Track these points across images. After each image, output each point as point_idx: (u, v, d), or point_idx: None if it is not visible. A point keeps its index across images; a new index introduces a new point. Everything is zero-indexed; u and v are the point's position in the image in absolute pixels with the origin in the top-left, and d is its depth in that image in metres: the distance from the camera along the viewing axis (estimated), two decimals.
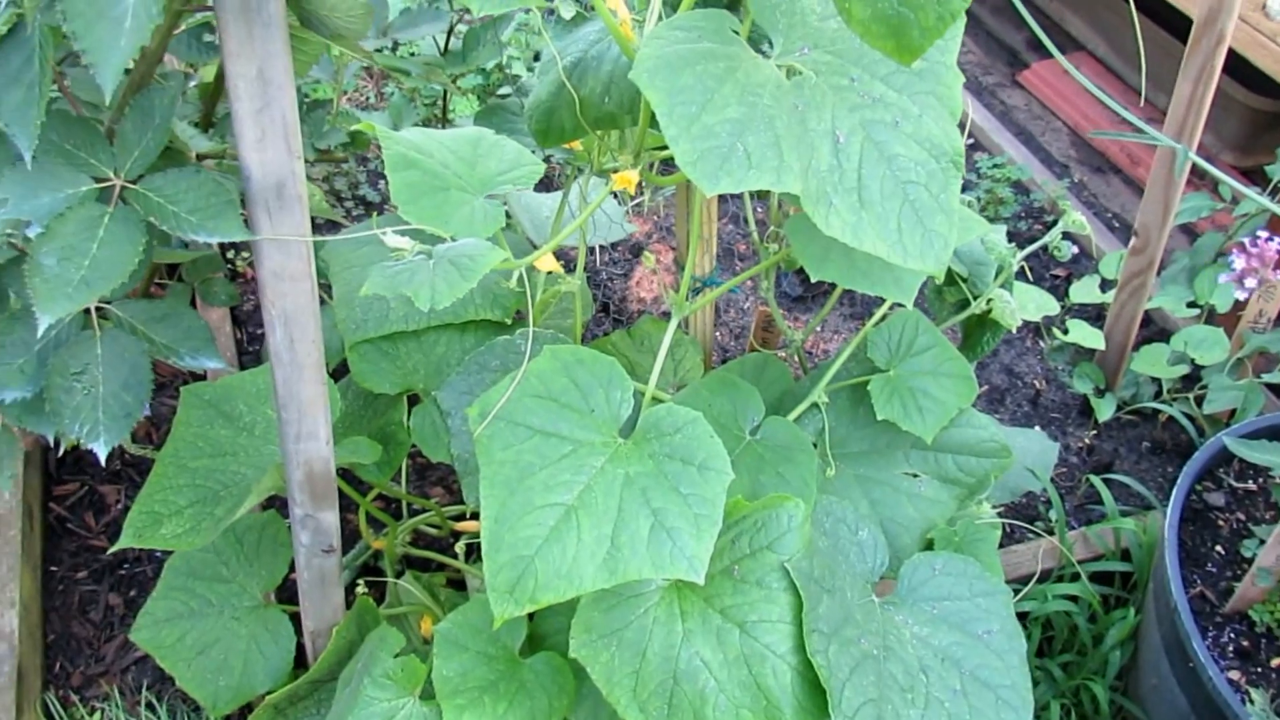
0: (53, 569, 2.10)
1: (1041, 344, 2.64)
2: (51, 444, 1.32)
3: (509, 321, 1.81)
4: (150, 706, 1.89)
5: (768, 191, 2.07)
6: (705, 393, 1.66)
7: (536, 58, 3.13)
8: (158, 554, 2.15)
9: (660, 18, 1.37)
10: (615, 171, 1.74)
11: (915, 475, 1.77)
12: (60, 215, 1.03)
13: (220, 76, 1.37)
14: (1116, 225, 3.04)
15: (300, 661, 1.77)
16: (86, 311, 1.27)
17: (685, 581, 1.45)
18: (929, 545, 1.74)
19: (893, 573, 1.64)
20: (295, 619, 1.77)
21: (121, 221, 1.04)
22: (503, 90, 3.02)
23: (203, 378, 2.23)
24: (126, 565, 2.14)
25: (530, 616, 1.63)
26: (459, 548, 1.89)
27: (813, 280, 1.47)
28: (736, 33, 1.24)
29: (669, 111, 1.13)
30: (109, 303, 1.27)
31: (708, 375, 1.79)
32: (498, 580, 1.32)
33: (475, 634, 1.58)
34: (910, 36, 1.01)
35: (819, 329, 2.62)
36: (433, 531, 2.10)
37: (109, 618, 2.06)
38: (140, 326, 1.27)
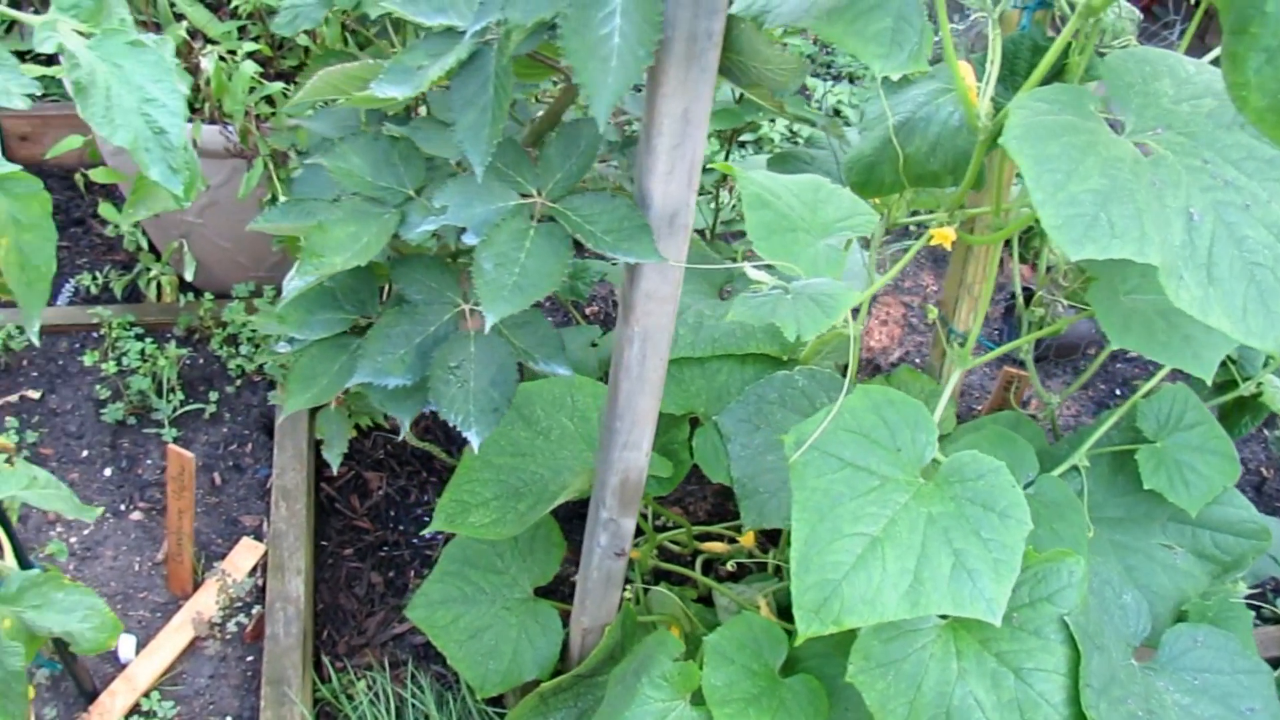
0: (323, 544, 2.22)
1: (1266, 433, 2.59)
2: (406, 427, 1.41)
3: (785, 359, 1.87)
4: (415, 680, 1.98)
5: (1036, 259, 2.09)
6: (985, 444, 1.69)
7: None
8: (414, 540, 2.26)
9: (993, 92, 1.42)
10: (907, 227, 1.80)
11: (1170, 547, 1.77)
12: (495, 225, 1.13)
13: (557, 110, 1.44)
14: None
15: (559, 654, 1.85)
16: (463, 314, 1.36)
17: (961, 622, 1.48)
18: (1180, 617, 1.74)
19: (1151, 640, 1.64)
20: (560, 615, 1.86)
21: (546, 236, 1.13)
22: (743, 136, 3.10)
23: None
24: (386, 548, 2.25)
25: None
26: (728, 566, 1.96)
27: (1113, 346, 1.49)
28: (1094, 109, 1.28)
29: (1036, 178, 1.18)
30: (479, 306, 1.36)
31: (981, 427, 1.81)
32: (805, 599, 1.36)
33: (741, 649, 1.63)
34: None
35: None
36: (674, 547, 2.16)
37: (370, 594, 2.17)
38: (505, 330, 1.36)
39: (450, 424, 1.30)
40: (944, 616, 1.48)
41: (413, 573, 2.21)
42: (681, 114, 1.10)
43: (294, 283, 1.37)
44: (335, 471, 1.90)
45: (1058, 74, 1.52)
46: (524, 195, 1.17)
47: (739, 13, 1.14)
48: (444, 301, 1.37)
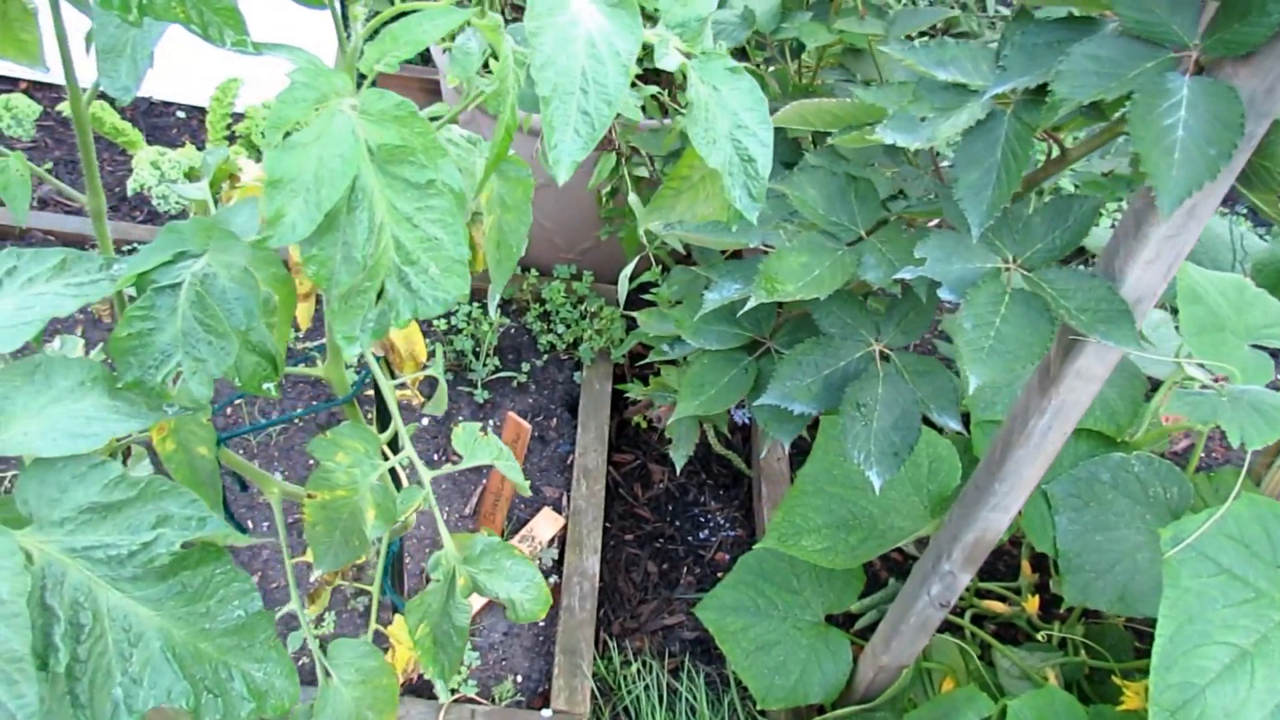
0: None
1: None
2: (772, 451, 1.39)
3: (1118, 439, 1.79)
4: (689, 675, 1.98)
5: None
6: None
7: None
8: (689, 538, 2.26)
9: None
10: None
11: None
12: (974, 286, 1.09)
13: (1039, 176, 1.38)
14: None
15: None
16: (873, 354, 1.34)
17: None
18: None
19: None
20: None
21: (1023, 304, 1.09)
22: None
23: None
24: (662, 540, 2.25)
25: None
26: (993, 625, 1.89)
27: None
28: None
29: None
30: (894, 349, 1.33)
31: None
32: (1164, 697, 1.30)
33: None
34: None
35: None
36: None
37: (646, 582, 2.17)
38: (908, 376, 1.32)
39: (854, 461, 1.28)
40: None
41: (685, 569, 2.21)
42: (1189, 209, 1.04)
43: (714, 296, 1.37)
44: (678, 471, 1.91)
45: None
46: (1000, 259, 1.13)
47: None
48: (857, 339, 1.34)
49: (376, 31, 0.79)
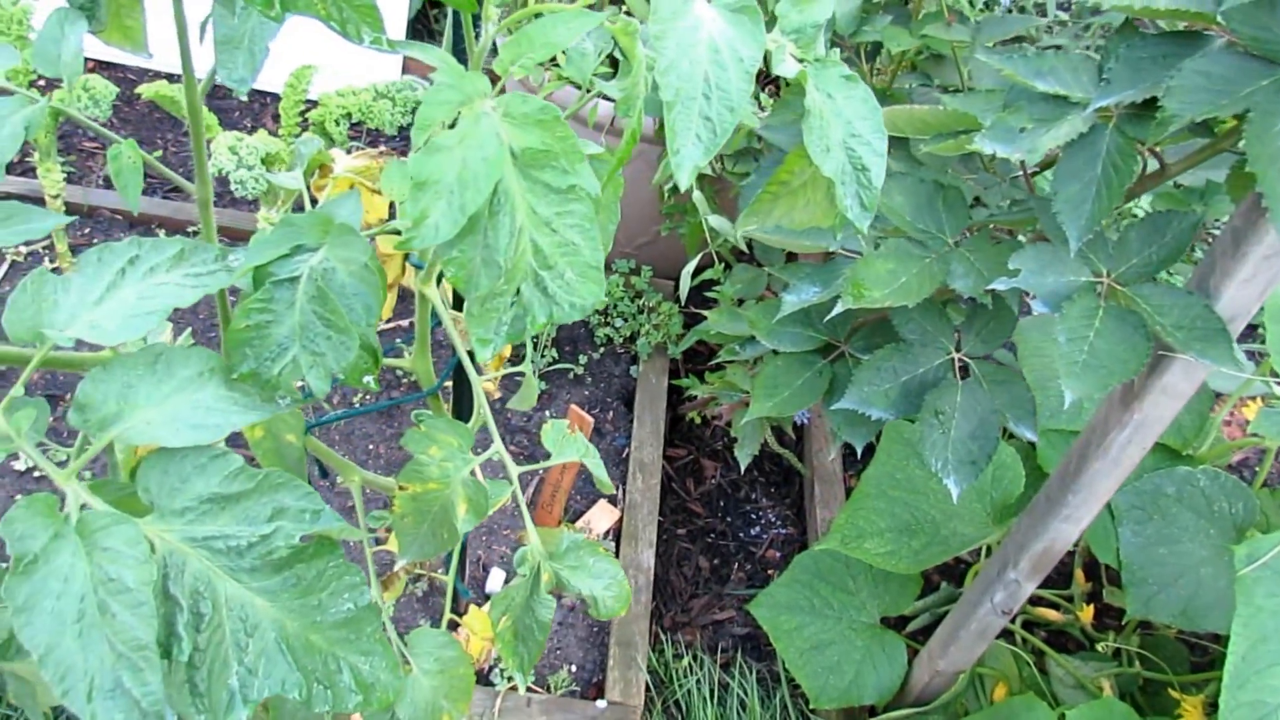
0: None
1: None
2: (846, 452, 1.37)
3: (1183, 453, 1.77)
4: (742, 671, 1.97)
5: None
6: None
7: None
8: (740, 534, 2.25)
9: None
10: None
11: None
12: (1068, 299, 1.08)
13: (1135, 190, 1.35)
14: None
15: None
16: (952, 362, 1.32)
17: None
18: None
19: None
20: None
21: (1115, 318, 1.07)
22: None
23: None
24: (713, 535, 2.24)
25: None
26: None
27: None
28: None
29: None
30: (973, 358, 1.32)
31: None
32: (1235, 716, 1.28)
33: None
34: None
35: None
36: None
37: (697, 576, 2.16)
38: (986, 385, 1.31)
39: (931, 468, 1.26)
40: None
41: (736, 565, 2.20)
42: None
43: (792, 298, 1.36)
44: (742, 469, 1.90)
45: None
46: (1096, 274, 1.11)
47: None
48: (936, 346, 1.33)
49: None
